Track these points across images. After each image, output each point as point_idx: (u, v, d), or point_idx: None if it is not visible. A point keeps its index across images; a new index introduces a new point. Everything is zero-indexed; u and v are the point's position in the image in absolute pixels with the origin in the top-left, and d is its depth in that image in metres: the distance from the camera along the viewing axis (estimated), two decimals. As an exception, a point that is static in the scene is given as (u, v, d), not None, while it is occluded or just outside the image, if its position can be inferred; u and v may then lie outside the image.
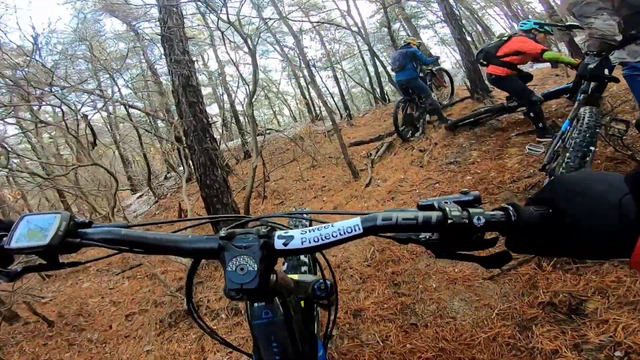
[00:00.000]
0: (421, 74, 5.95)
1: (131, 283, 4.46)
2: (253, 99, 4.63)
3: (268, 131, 12.02)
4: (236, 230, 0.53)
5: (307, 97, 12.85)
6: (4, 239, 0.51)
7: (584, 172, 0.45)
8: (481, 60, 4.23)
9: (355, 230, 0.47)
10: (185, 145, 3.55)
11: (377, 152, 5.95)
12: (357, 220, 0.47)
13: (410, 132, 6.00)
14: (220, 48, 12.92)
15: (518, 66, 4.11)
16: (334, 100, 12.96)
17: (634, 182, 0.35)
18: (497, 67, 4.09)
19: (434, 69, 6.61)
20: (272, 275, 0.54)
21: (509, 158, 4.18)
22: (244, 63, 16.33)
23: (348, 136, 8.05)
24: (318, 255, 0.69)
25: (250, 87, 4.11)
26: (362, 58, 13.45)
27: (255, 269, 0.48)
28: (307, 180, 6.08)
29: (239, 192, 6.47)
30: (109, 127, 11.29)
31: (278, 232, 0.51)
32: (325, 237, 0.48)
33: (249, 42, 4.19)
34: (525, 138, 4.51)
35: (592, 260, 0.52)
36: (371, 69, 11.49)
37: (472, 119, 5.01)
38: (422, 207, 0.46)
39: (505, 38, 4.05)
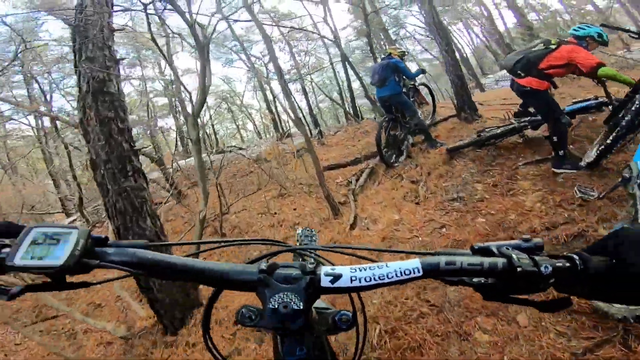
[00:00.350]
0: (404, 89, 5.18)
1: (44, 338, 3.52)
2: (202, 112, 3.51)
3: (229, 149, 10.83)
4: (278, 262, 0.48)
5: (274, 111, 11.81)
6: (4, 250, 0.43)
7: None
8: (518, 72, 3.45)
9: (414, 273, 0.43)
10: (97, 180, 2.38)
11: (357, 180, 5.04)
12: (416, 261, 0.44)
13: (394, 156, 5.18)
14: (177, 53, 11.66)
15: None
16: (302, 115, 12.07)
17: None
18: (534, 79, 3.36)
19: (417, 83, 5.88)
20: (311, 314, 0.48)
21: (524, 195, 3.44)
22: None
23: (320, 157, 7.08)
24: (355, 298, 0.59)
25: (197, 96, 3.01)
26: (334, 70, 12.72)
27: (301, 307, 0.43)
28: (276, 213, 5.01)
29: (190, 231, 5.26)
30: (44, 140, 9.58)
31: (324, 268, 0.46)
32: (379, 278, 0.44)
33: (199, 32, 3.12)
34: (535, 168, 3.83)
35: None
36: (344, 82, 10.76)
37: (479, 144, 4.28)
38: (478, 251, 0.46)
39: (554, 46, 3.30)
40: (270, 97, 11.74)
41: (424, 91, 6.09)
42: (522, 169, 3.90)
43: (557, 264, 0.42)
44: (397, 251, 0.55)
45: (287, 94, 3.89)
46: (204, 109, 15.83)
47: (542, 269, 0.41)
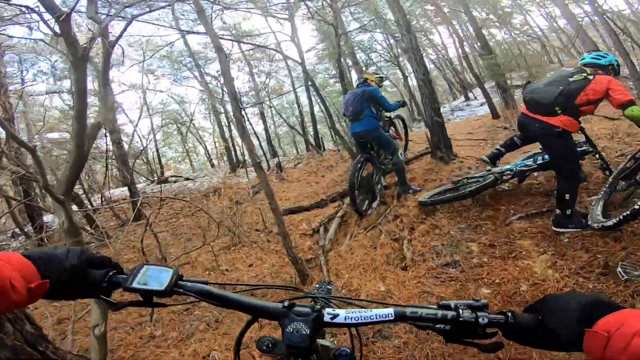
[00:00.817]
0: (380, 122, 4.59)
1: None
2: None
3: (173, 179, 9.60)
4: (296, 302, 0.67)
5: (229, 137, 10.80)
6: (117, 276, 0.67)
7: (569, 293, 0.58)
8: (556, 108, 2.81)
9: (388, 317, 0.61)
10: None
11: (325, 230, 4.28)
12: (391, 310, 0.61)
13: (367, 201, 4.49)
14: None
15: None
16: (258, 141, 11.13)
17: (584, 306, 0.52)
18: (568, 118, 2.83)
19: (392, 115, 5.32)
20: (315, 341, 0.64)
21: (528, 258, 2.91)
22: (153, 89, 13.70)
23: (279, 196, 6.26)
24: (353, 329, 0.81)
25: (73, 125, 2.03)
26: (296, 94, 12.09)
27: (308, 333, 0.61)
28: (227, 271, 4.03)
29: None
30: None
31: (327, 309, 0.64)
32: (364, 319, 0.62)
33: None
34: (531, 223, 3.35)
35: (562, 351, 0.57)
36: (306, 107, 10.10)
37: (458, 199, 3.72)
38: (441, 306, 0.60)
39: (591, 77, 2.77)
40: (225, 121, 10.72)
41: (399, 127, 5.54)
42: (517, 223, 3.41)
43: (492, 317, 0.57)
44: (380, 302, 0.78)
45: (243, 127, 3.05)
46: (147, 130, 14.31)
47: (480, 320, 0.56)
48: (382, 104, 4.47)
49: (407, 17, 5.17)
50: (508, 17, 13.47)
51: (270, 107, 11.61)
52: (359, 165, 4.26)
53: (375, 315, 0.61)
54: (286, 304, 0.65)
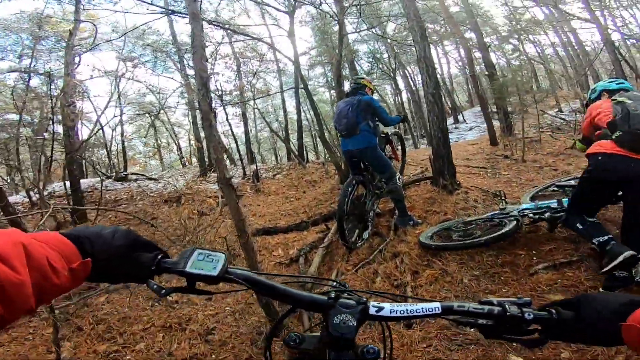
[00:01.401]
0: (377, 139, 3.87)
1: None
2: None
3: (134, 176, 8.51)
4: (341, 294, 0.64)
5: (204, 136, 9.83)
6: (166, 260, 0.65)
7: (600, 293, 0.66)
8: None
9: (435, 311, 0.60)
10: None
11: (306, 263, 3.49)
12: (437, 304, 0.60)
13: (357, 231, 3.74)
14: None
15: None
16: (236, 145, 10.19)
17: (619, 304, 0.54)
18: None
19: (390, 132, 4.60)
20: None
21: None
22: (130, 78, 12.52)
23: (253, 211, 5.42)
24: (384, 326, 0.77)
25: None
26: (283, 99, 11.27)
27: (354, 324, 0.59)
28: (173, 309, 3.13)
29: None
30: None
31: (373, 302, 0.63)
32: (410, 312, 0.60)
33: None
34: (560, 274, 2.72)
35: (600, 345, 0.73)
36: (293, 114, 9.31)
37: (473, 246, 3.03)
38: (483, 302, 0.60)
39: None
40: (199, 120, 9.77)
41: (396, 145, 4.83)
42: (543, 273, 2.77)
43: (537, 313, 0.57)
44: (421, 299, 0.69)
45: (209, 124, 2.22)
46: (115, 121, 13.05)
47: (526, 315, 0.56)
48: (380, 116, 3.77)
49: (422, 23, 4.56)
50: (506, 40, 13.44)
51: (255, 108, 10.76)
52: (350, 189, 3.50)
53: (422, 308, 0.61)
54: (332, 295, 0.64)
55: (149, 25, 11.04)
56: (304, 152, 8.69)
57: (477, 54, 10.12)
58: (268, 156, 20.38)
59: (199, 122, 9.98)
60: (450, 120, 15.57)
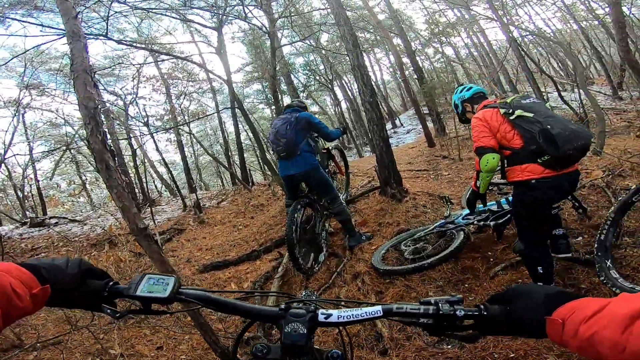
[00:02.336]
0: (318, 157, 3.69)
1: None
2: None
3: (54, 221, 7.44)
4: (292, 304, 0.69)
5: (133, 168, 8.92)
6: (118, 285, 0.69)
7: (534, 284, 0.62)
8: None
9: (377, 313, 0.64)
10: None
11: (261, 290, 3.15)
12: (379, 307, 0.64)
13: (311, 256, 3.51)
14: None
15: None
16: (171, 175, 9.43)
17: (547, 297, 0.55)
18: None
19: (331, 146, 4.45)
20: (311, 340, 0.67)
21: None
22: (38, 107, 11.08)
23: (198, 245, 4.93)
24: (343, 332, 0.83)
25: None
26: (220, 120, 10.66)
27: (305, 332, 0.63)
28: (122, 358, 2.61)
29: None
30: None
31: (321, 310, 0.67)
32: (355, 316, 0.65)
33: None
34: (518, 273, 2.78)
35: (530, 338, 0.62)
36: (232, 135, 8.82)
37: (423, 269, 2.95)
38: (423, 302, 0.63)
39: None
40: (136, 149, 8.84)
41: (339, 160, 4.68)
42: (502, 274, 2.77)
43: (468, 310, 0.59)
44: (367, 303, 0.71)
45: (107, 168, 1.82)
46: (24, 158, 11.41)
47: (457, 312, 0.59)
48: (322, 132, 3.54)
49: (354, 31, 4.53)
50: (428, 44, 14.31)
51: (189, 133, 10.06)
52: (296, 214, 3.24)
53: (365, 312, 0.64)
54: (283, 306, 0.68)
55: (55, 49, 9.93)
56: (248, 175, 8.28)
57: (406, 59, 10.64)
58: (213, 181, 19.39)
59: (126, 154, 9.10)
60: (389, 126, 16.18)
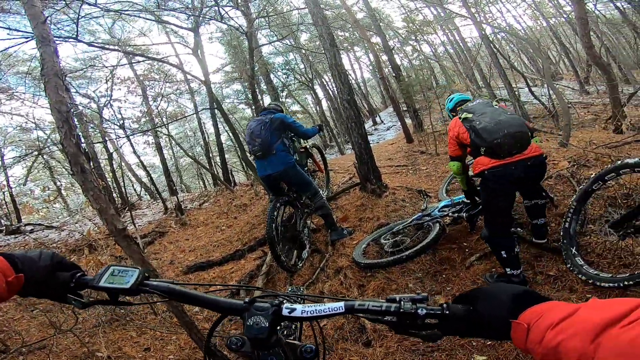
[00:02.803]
0: (295, 156, 3.75)
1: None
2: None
3: (29, 228, 7.20)
4: (257, 298, 0.69)
5: (110, 171, 8.72)
6: (84, 277, 0.72)
7: (501, 284, 0.59)
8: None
9: (339, 310, 0.64)
10: None
11: (249, 294, 3.18)
12: (341, 303, 0.64)
13: (294, 253, 3.58)
14: None
15: None
16: (149, 178, 9.25)
17: (514, 297, 0.53)
18: None
19: (309, 145, 4.53)
20: (276, 334, 0.68)
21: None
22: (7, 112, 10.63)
23: (182, 247, 4.90)
24: (316, 326, 0.83)
25: None
26: (199, 121, 10.50)
27: (266, 325, 0.64)
28: None
29: None
30: None
31: (286, 304, 0.68)
32: (317, 312, 0.65)
33: None
34: (492, 262, 2.90)
35: (493, 340, 0.81)
36: (212, 136, 8.72)
37: (401, 261, 3.04)
38: (388, 300, 0.62)
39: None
40: (102, 153, 8.61)
41: (318, 157, 4.76)
42: (477, 264, 2.91)
43: (430, 309, 0.59)
44: (332, 298, 0.68)
45: (82, 170, 1.78)
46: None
47: (419, 311, 0.58)
48: (297, 131, 3.59)
49: (331, 30, 4.59)
50: (406, 42, 14.53)
51: (168, 135, 9.89)
52: (275, 212, 3.30)
53: (329, 308, 0.65)
54: (247, 299, 0.68)
55: (23, 52, 9.56)
56: (230, 175, 8.23)
57: (384, 57, 10.80)
58: (194, 183, 19.10)
59: (101, 158, 8.88)
60: (369, 123, 16.37)
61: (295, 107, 16.49)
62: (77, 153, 1.92)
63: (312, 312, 0.65)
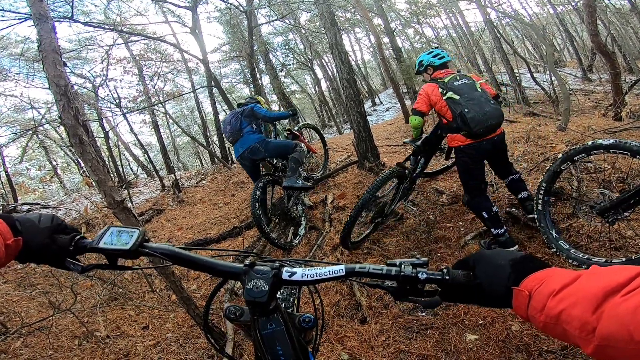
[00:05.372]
0: (263, 134, 3.82)
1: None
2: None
3: (26, 207, 7.18)
4: (257, 261, 0.68)
5: (106, 149, 8.65)
6: (84, 240, 0.70)
7: (501, 250, 0.59)
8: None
9: (339, 273, 0.63)
10: None
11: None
12: (342, 266, 0.64)
13: (291, 231, 3.63)
14: None
15: None
16: (147, 156, 9.22)
17: (513, 264, 0.52)
18: None
19: (294, 127, 4.57)
20: (276, 300, 0.67)
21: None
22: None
23: (179, 224, 4.92)
24: (314, 293, 0.82)
25: None
26: (197, 100, 10.39)
27: (266, 289, 0.63)
28: (108, 339, 2.65)
29: None
30: None
31: (286, 268, 0.67)
32: (318, 275, 0.64)
33: None
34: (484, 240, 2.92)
35: (493, 307, 0.73)
36: (210, 115, 8.64)
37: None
38: (388, 264, 0.61)
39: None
40: (99, 131, 8.51)
41: (310, 139, 4.77)
42: (472, 244, 2.95)
43: (430, 273, 0.58)
44: (332, 263, 0.67)
45: (80, 142, 1.79)
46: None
47: (419, 275, 0.57)
48: (264, 116, 3.70)
49: (332, 9, 4.49)
50: (408, 25, 14.28)
51: (165, 114, 9.78)
52: (258, 192, 3.39)
53: (329, 271, 0.64)
54: (247, 262, 0.66)
55: (15, 33, 9.32)
56: (228, 153, 8.20)
57: (385, 39, 10.61)
58: (191, 161, 19.02)
59: (98, 136, 8.79)
60: (368, 104, 16.23)
61: (294, 87, 16.32)
62: (75, 125, 1.91)
63: (312, 275, 0.64)
